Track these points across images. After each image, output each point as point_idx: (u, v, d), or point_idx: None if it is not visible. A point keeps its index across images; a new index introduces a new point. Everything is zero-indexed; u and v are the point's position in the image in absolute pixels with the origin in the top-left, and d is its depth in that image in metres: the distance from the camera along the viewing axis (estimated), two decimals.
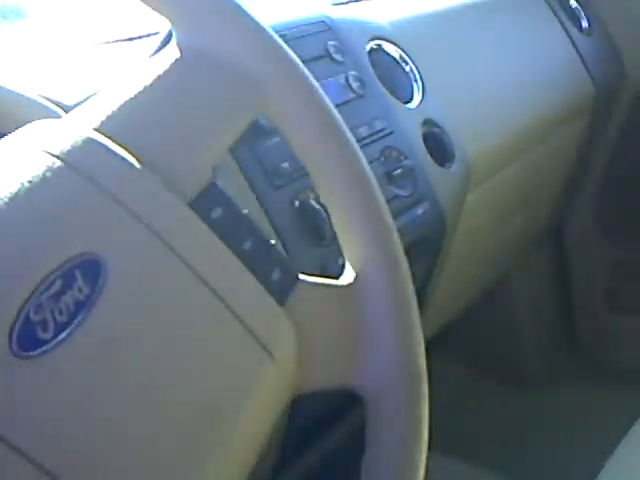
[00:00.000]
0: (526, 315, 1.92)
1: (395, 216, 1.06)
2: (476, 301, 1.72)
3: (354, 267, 0.64)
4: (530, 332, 1.94)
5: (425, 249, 1.16)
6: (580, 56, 1.66)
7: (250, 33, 0.64)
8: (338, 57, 1.12)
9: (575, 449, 1.64)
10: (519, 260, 1.84)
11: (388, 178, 1.09)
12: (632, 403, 1.82)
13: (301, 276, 0.62)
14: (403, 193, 1.10)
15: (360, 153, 0.68)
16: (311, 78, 0.67)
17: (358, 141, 1.06)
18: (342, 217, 0.65)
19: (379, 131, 1.11)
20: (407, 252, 1.03)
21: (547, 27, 1.63)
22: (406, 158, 1.13)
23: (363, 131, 1.08)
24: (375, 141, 1.10)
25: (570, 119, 1.63)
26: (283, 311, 0.59)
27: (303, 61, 1.07)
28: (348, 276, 0.65)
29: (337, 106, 1.04)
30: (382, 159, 1.10)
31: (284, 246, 0.95)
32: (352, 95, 1.10)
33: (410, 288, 0.65)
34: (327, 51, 1.11)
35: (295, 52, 1.07)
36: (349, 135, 0.68)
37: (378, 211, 0.65)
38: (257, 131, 0.97)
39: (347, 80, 1.10)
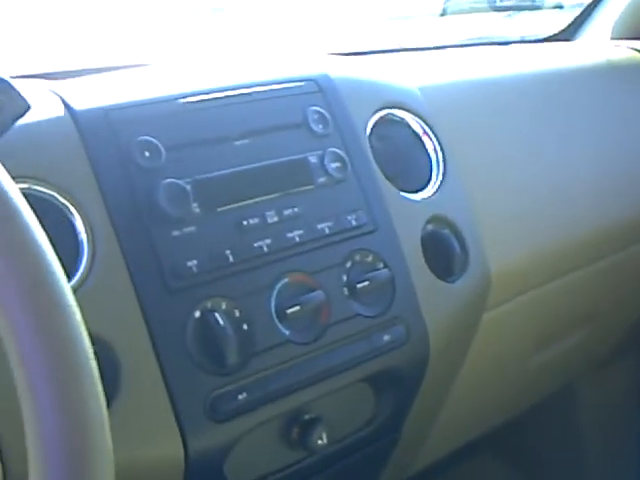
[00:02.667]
0: (592, 435, 1.61)
1: (347, 339, 0.85)
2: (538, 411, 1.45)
3: None
4: (594, 456, 1.62)
5: (396, 380, 0.91)
6: None
7: None
8: (318, 128, 0.89)
9: None
10: (590, 374, 1.54)
11: (350, 291, 0.85)
12: None
13: None
14: (366, 312, 0.86)
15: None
16: None
17: (314, 240, 0.85)
18: None
19: (352, 228, 0.87)
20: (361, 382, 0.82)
21: None
22: (385, 266, 0.88)
23: (325, 227, 0.85)
24: (342, 241, 0.86)
25: None
26: None
27: (271, 127, 0.87)
28: None
29: (297, 193, 0.86)
30: (347, 265, 0.86)
31: (162, 370, 0.74)
32: (323, 179, 0.87)
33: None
34: (305, 119, 0.88)
35: (261, 115, 0.88)
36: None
37: None
38: (160, 217, 0.76)
39: (322, 159, 0.87)
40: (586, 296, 1.25)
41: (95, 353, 0.71)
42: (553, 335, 1.23)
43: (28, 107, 0.58)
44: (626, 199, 1.22)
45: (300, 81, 0.91)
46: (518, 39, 1.41)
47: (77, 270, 0.73)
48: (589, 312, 1.30)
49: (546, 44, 1.42)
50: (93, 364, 0.52)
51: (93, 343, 0.71)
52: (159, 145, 0.78)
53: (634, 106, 1.28)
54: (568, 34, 1.48)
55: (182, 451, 0.74)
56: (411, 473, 1.21)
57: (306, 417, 0.85)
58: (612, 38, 1.45)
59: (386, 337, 0.87)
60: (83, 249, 0.74)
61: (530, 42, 1.46)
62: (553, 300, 1.16)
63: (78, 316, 0.53)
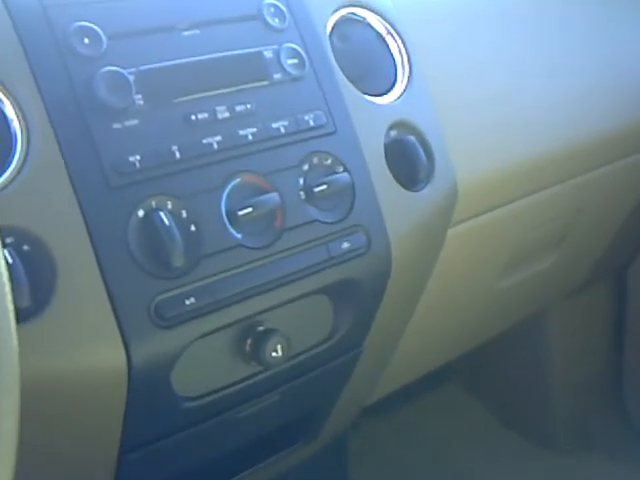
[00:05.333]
0: (560, 367, 1.58)
1: (303, 246, 0.80)
2: (506, 340, 1.42)
3: None
4: (562, 388, 1.60)
5: (354, 291, 0.86)
6: None
7: None
8: (274, 22, 0.83)
9: None
10: (559, 303, 1.51)
11: (307, 195, 0.80)
12: None
13: None
14: (324, 218, 0.81)
15: None
16: None
17: (268, 139, 0.79)
18: None
19: (310, 129, 0.82)
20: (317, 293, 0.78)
21: (632, 25, 1.27)
22: (345, 170, 0.83)
23: (280, 126, 0.80)
24: (300, 142, 0.81)
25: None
26: None
27: (223, 19, 0.81)
28: None
29: (251, 89, 0.80)
30: (304, 167, 0.81)
31: (102, 273, 0.69)
32: (278, 75, 0.81)
33: None
34: (260, 11, 0.82)
35: (213, 5, 0.81)
36: None
37: None
38: (100, 109, 0.70)
39: (278, 54, 0.81)
40: (556, 217, 1.21)
41: (28, 252, 0.66)
42: (521, 257, 1.19)
43: None
44: (599, 118, 1.17)
45: None
46: None
47: (9, 165, 0.68)
48: (559, 235, 1.26)
49: None
50: None
51: (26, 241, 0.66)
52: (100, 32, 0.72)
53: (619, 19, 1.23)
54: None
55: (125, 359, 0.69)
56: (371, 401, 1.17)
57: (260, 328, 0.80)
58: None
59: (345, 245, 0.82)
60: (16, 142, 0.68)
61: None
62: (521, 220, 1.12)
63: None
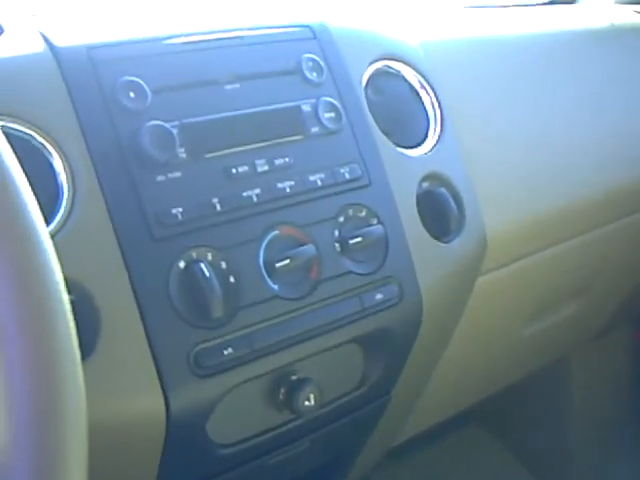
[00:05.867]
0: (582, 407, 1.59)
1: (338, 297, 0.81)
2: (530, 383, 1.42)
3: None
4: (581, 427, 1.60)
5: (387, 340, 0.87)
6: None
7: None
8: (312, 76, 0.85)
9: None
10: (581, 348, 1.51)
11: (342, 247, 0.82)
12: None
13: None
14: (358, 269, 0.83)
15: None
16: None
17: (305, 192, 0.81)
18: None
19: (346, 182, 0.83)
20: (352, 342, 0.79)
21: None
22: (379, 222, 0.85)
23: (317, 179, 0.81)
24: (335, 194, 0.83)
25: None
26: None
27: (263, 73, 0.83)
28: None
29: (289, 142, 0.82)
30: (340, 219, 0.82)
31: (143, 322, 0.70)
32: (316, 129, 0.83)
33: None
34: (299, 66, 0.84)
35: (254, 60, 0.84)
36: None
37: None
38: (144, 161, 0.72)
39: (316, 108, 0.83)
40: (582, 266, 1.22)
41: (73, 301, 0.67)
42: (547, 305, 1.20)
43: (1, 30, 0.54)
44: (626, 167, 1.19)
45: (295, 27, 0.87)
46: (521, 3, 1.36)
47: (56, 214, 0.69)
48: (584, 283, 1.26)
49: (550, 6, 1.38)
50: (69, 317, 0.48)
51: (72, 291, 0.68)
52: (144, 86, 0.74)
53: (638, 71, 1.24)
54: None
55: (163, 407, 0.71)
56: (398, 442, 1.18)
57: (294, 377, 0.81)
58: (616, 2, 1.41)
59: (378, 296, 0.83)
60: (63, 192, 0.70)
61: (534, 5, 1.41)
62: (548, 268, 1.13)
63: (54, 263, 0.49)
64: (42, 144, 0.70)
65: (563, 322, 1.26)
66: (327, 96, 0.85)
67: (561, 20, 1.24)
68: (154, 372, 0.70)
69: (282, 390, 0.81)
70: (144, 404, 0.70)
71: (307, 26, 0.88)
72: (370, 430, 0.98)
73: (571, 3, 1.41)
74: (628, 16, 1.32)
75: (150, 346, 0.70)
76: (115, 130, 0.72)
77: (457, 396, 1.23)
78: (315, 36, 0.87)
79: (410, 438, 1.22)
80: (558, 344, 1.36)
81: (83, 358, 0.67)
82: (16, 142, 0.66)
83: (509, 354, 1.23)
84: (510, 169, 1.01)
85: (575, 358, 1.54)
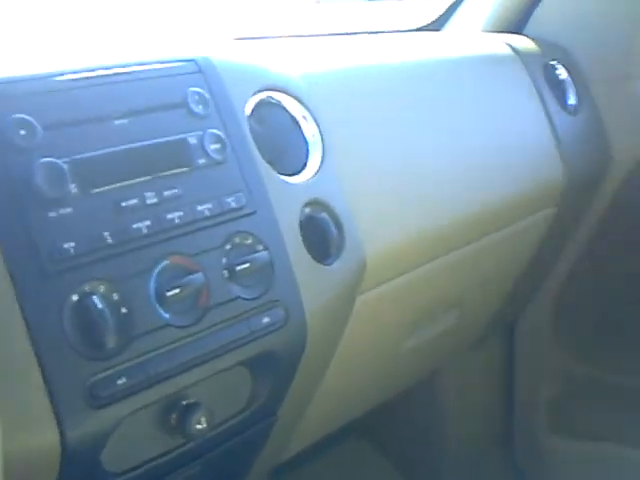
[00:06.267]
0: (453, 415, 1.66)
1: (227, 322, 0.84)
2: (407, 395, 1.48)
3: None
4: (454, 435, 1.68)
5: (273, 363, 0.91)
6: (557, 139, 1.39)
7: None
8: (198, 109, 0.87)
9: None
10: (455, 360, 1.58)
11: (230, 273, 0.85)
12: None
13: None
14: (246, 295, 0.86)
15: None
16: None
17: (194, 222, 0.84)
18: None
19: (232, 210, 0.86)
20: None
21: (521, 101, 1.37)
22: (265, 249, 0.88)
23: (205, 209, 0.84)
24: (223, 223, 0.86)
25: (530, 213, 1.37)
26: None
27: (150, 107, 0.85)
28: None
29: (177, 174, 0.85)
30: (227, 247, 0.85)
31: (38, 356, 0.71)
32: (203, 160, 0.86)
33: None
34: (185, 99, 0.87)
35: (141, 95, 0.86)
36: None
37: None
38: (36, 197, 0.73)
39: (202, 140, 0.86)
40: (455, 280, 1.28)
41: None
42: (424, 319, 1.26)
43: None
44: (492, 186, 1.25)
45: (180, 62, 0.90)
46: (391, 29, 1.43)
47: None
48: (457, 296, 1.33)
49: (418, 33, 1.45)
50: None
51: None
52: (35, 123, 0.75)
53: (504, 97, 1.32)
54: (439, 24, 1.52)
55: (59, 439, 0.72)
56: (284, 459, 1.22)
57: (184, 402, 0.84)
58: (483, 31, 1.49)
59: (265, 320, 0.87)
60: None
61: (403, 32, 1.48)
62: (424, 284, 1.19)
63: None
64: None
65: (441, 334, 1.33)
66: (213, 128, 0.88)
67: (432, 47, 1.30)
68: (49, 406, 0.71)
69: (174, 415, 0.83)
70: (39, 438, 0.71)
71: (192, 60, 0.90)
72: (258, 449, 1.01)
73: (437, 30, 1.48)
74: (495, 45, 1.39)
75: (45, 380, 0.71)
76: (6, 168, 0.73)
77: (341, 411, 1.28)
78: (200, 70, 0.90)
79: (296, 456, 1.26)
80: (436, 355, 1.42)
81: None
82: None
83: (390, 368, 1.28)
84: (386, 193, 1.06)
85: (449, 370, 1.61)
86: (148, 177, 0.81)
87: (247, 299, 0.86)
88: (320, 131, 1.00)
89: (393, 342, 1.21)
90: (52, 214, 0.74)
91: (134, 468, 0.82)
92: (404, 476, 1.71)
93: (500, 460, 1.73)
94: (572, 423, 1.67)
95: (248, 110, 0.94)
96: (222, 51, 0.96)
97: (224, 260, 0.85)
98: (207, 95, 0.89)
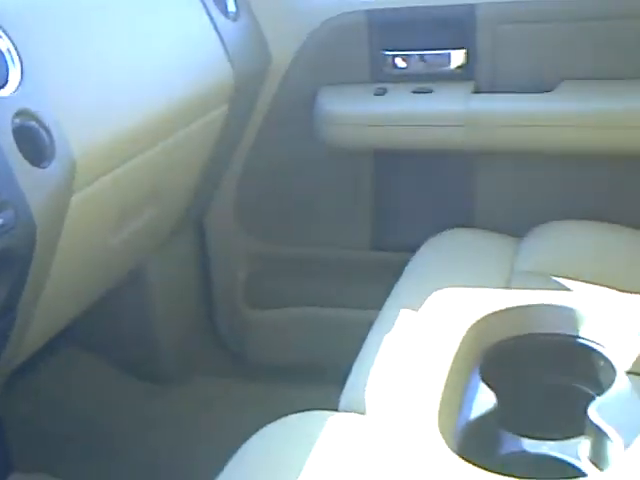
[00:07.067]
0: (162, 309, 1.81)
1: None
2: (110, 294, 1.59)
3: None
4: (165, 326, 1.84)
5: (9, 261, 1.00)
6: (222, 43, 1.56)
7: None
8: None
9: (209, 446, 1.57)
10: (157, 252, 1.73)
11: None
12: (270, 399, 1.80)
13: None
14: None
15: None
16: None
17: None
18: None
19: None
20: None
21: (188, 10, 1.51)
22: None
23: None
24: None
25: (207, 110, 1.53)
26: None
27: None
28: None
29: None
30: None
31: None
32: None
33: None
34: None
35: None
36: None
37: None
38: None
39: None
40: (151, 176, 1.42)
41: None
42: (128, 215, 1.38)
43: None
44: (168, 91, 1.39)
45: None
46: None
47: None
48: (154, 192, 1.47)
49: None
50: None
51: None
52: None
53: (173, 7, 1.46)
54: None
55: None
56: (17, 363, 1.30)
57: None
58: None
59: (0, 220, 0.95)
60: None
61: None
62: (127, 181, 1.31)
63: None
64: None
65: (143, 227, 1.46)
66: None
67: None
68: None
69: None
70: None
71: None
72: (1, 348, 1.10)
73: None
74: None
75: None
76: None
77: (64, 308, 1.38)
78: None
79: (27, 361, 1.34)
80: (141, 248, 1.56)
81: None
82: None
83: (102, 262, 1.40)
84: (87, 99, 1.16)
85: (152, 263, 1.75)
86: None
87: None
88: (15, 46, 1.07)
89: (103, 237, 1.33)
90: None
91: None
92: (122, 372, 1.84)
93: (205, 336, 1.92)
94: (265, 296, 1.89)
95: None
96: None
97: None
98: None
